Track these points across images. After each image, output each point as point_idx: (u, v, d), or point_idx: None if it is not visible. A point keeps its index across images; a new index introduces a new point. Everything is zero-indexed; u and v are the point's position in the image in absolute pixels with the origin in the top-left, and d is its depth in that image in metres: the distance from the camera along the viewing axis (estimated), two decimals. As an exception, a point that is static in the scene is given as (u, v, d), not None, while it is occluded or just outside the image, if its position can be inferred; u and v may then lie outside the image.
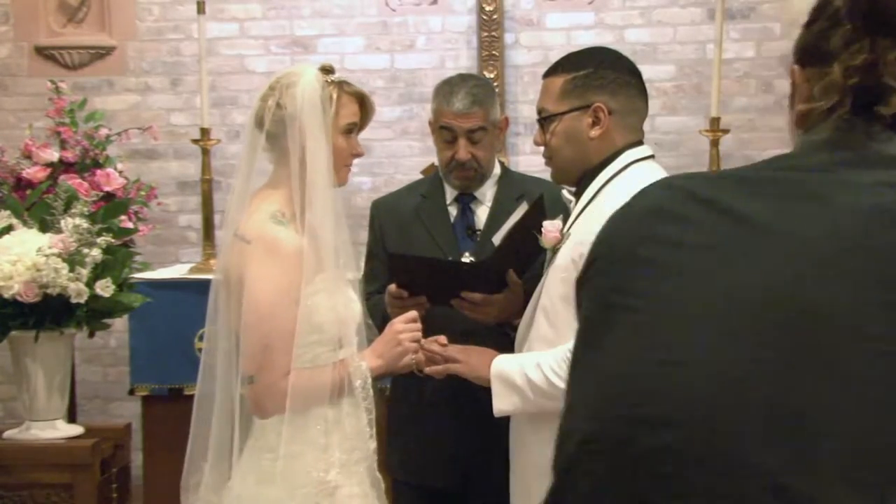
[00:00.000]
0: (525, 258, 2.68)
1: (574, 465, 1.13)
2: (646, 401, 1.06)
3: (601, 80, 2.43)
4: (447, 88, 2.96)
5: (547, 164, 2.55)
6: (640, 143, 2.49)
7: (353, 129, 2.41)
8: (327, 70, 2.39)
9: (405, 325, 2.43)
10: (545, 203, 2.64)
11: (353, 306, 2.39)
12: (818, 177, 1.10)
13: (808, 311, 1.01)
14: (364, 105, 2.44)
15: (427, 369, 2.52)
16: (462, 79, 3.03)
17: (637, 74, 2.50)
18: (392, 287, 2.70)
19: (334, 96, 2.35)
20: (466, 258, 2.90)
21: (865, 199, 1.04)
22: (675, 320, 1.07)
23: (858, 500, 0.96)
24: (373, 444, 2.36)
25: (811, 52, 1.17)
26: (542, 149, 2.54)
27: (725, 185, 1.14)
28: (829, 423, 0.98)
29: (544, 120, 2.48)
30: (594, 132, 2.43)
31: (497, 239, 2.70)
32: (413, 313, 2.48)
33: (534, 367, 2.37)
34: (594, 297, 1.19)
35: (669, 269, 1.10)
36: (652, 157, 2.49)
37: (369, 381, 2.35)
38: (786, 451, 0.98)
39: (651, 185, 1.23)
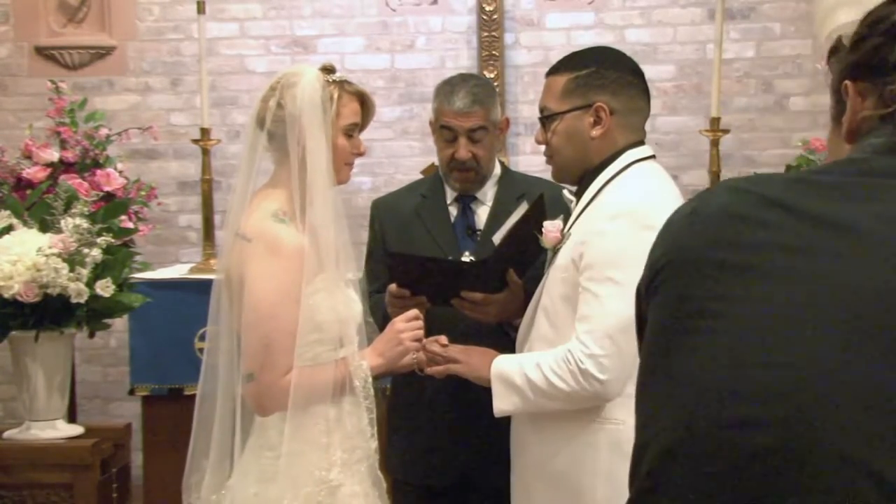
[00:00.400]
0: (525, 258, 2.68)
1: (659, 478, 1.13)
2: (741, 403, 1.07)
3: (603, 79, 2.43)
4: (448, 88, 2.96)
5: (548, 162, 2.55)
6: (641, 142, 2.48)
7: (354, 129, 2.41)
8: (328, 70, 2.39)
9: (406, 325, 2.43)
10: (545, 202, 2.64)
11: (353, 306, 2.39)
12: (891, 182, 1.12)
13: (892, 302, 1.04)
14: (365, 104, 2.44)
15: (428, 370, 2.52)
16: (463, 78, 3.03)
17: (639, 74, 2.50)
18: (392, 287, 2.70)
19: (335, 96, 2.35)
20: (466, 257, 2.90)
21: None
22: (765, 322, 1.08)
23: None
24: (374, 444, 2.35)
25: (866, 66, 1.19)
26: (542, 149, 2.54)
27: (795, 189, 1.15)
28: None
29: (546, 119, 2.48)
30: (595, 132, 2.43)
31: (497, 238, 2.70)
32: (414, 312, 2.47)
33: (533, 367, 2.37)
34: (667, 304, 1.19)
35: (752, 271, 1.11)
36: (653, 157, 2.49)
37: (370, 380, 2.35)
38: (883, 442, 1.01)
39: (713, 189, 1.24)
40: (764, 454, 1.05)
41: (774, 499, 1.04)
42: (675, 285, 1.18)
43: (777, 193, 1.15)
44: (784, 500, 1.04)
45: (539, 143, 2.54)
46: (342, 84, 2.38)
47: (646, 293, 1.23)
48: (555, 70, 2.51)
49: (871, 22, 1.20)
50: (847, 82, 1.22)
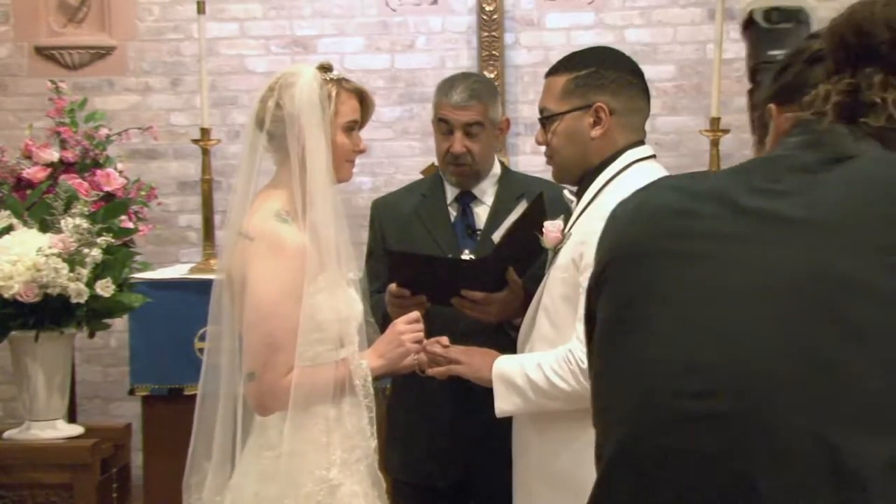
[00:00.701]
0: (525, 256, 2.68)
1: (624, 456, 1.21)
2: (694, 376, 1.16)
3: (603, 79, 2.43)
4: (448, 83, 2.99)
5: (548, 163, 2.55)
6: (641, 142, 2.49)
7: (354, 126, 2.41)
8: (326, 68, 2.39)
9: (407, 326, 2.43)
10: (545, 202, 2.64)
11: (354, 305, 2.39)
12: (811, 177, 1.23)
13: (828, 283, 1.14)
14: (364, 101, 2.44)
15: (429, 370, 2.52)
16: (464, 75, 3.08)
17: (639, 74, 2.50)
18: (392, 286, 2.70)
19: (333, 94, 2.35)
20: (466, 255, 2.90)
21: (855, 184, 1.20)
22: (709, 303, 1.19)
23: (883, 446, 1.08)
24: (373, 443, 2.35)
25: (789, 90, 1.35)
26: (542, 149, 2.55)
27: (731, 185, 1.26)
28: (856, 379, 1.10)
29: (546, 119, 2.48)
30: (595, 132, 2.43)
31: (497, 237, 2.71)
32: (415, 314, 2.48)
33: (535, 367, 2.38)
34: (615, 298, 1.28)
35: (695, 258, 1.22)
36: (653, 156, 2.49)
37: (370, 379, 2.35)
38: (828, 410, 1.10)
39: (652, 187, 1.34)
40: (718, 421, 1.14)
41: (728, 462, 1.13)
42: (621, 279, 1.28)
43: (713, 189, 1.26)
44: (736, 463, 1.12)
45: (539, 143, 2.54)
46: (340, 82, 2.38)
47: (595, 289, 1.32)
48: (554, 70, 2.51)
49: (792, 54, 1.38)
50: (772, 105, 1.37)
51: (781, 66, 1.39)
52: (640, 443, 1.20)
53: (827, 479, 1.09)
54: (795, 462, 1.10)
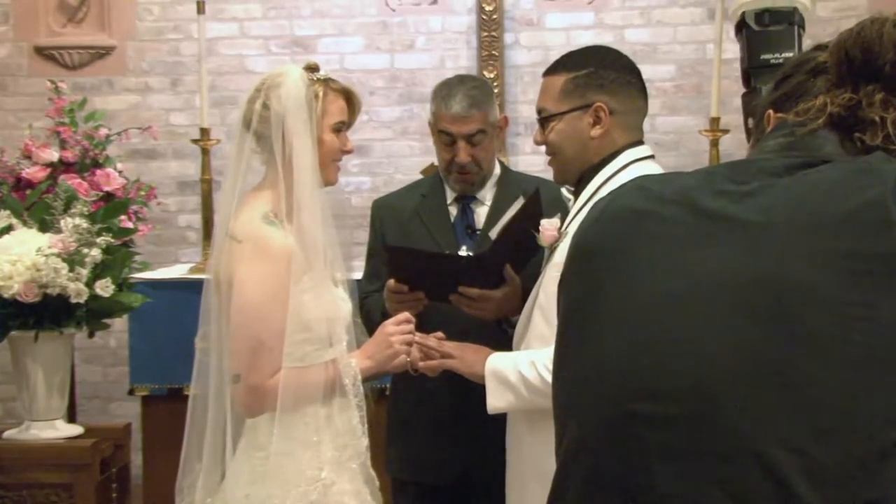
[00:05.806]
0: (522, 253, 2.67)
1: (579, 450, 1.24)
2: (646, 378, 1.18)
3: (602, 79, 2.43)
4: (445, 91, 2.95)
5: (550, 163, 2.54)
6: (640, 142, 2.48)
7: (342, 127, 2.41)
8: (312, 68, 2.38)
9: (396, 328, 2.42)
10: (543, 200, 2.64)
11: (341, 305, 2.37)
12: (775, 181, 1.24)
13: (778, 287, 1.15)
14: (351, 101, 2.43)
15: (421, 365, 2.51)
16: (460, 80, 3.01)
17: (637, 74, 2.50)
18: (391, 282, 2.70)
19: (320, 94, 2.35)
20: (464, 251, 2.90)
21: (815, 189, 1.21)
22: (658, 306, 1.20)
23: (832, 456, 1.09)
24: (365, 442, 2.34)
25: (788, 98, 1.36)
26: (541, 149, 2.54)
27: (696, 188, 1.27)
28: (803, 386, 1.12)
29: (544, 119, 2.48)
30: (595, 132, 2.42)
31: (494, 233, 2.71)
32: (405, 315, 2.47)
33: (528, 364, 2.37)
34: (570, 295, 1.32)
35: (645, 262, 1.24)
36: (652, 156, 2.49)
37: (359, 378, 2.34)
38: (767, 415, 1.12)
39: (624, 187, 1.36)
40: (667, 424, 1.16)
41: (675, 465, 1.14)
42: (577, 277, 1.31)
43: (678, 191, 1.28)
44: (682, 465, 1.14)
45: (537, 143, 2.53)
46: (327, 82, 2.37)
47: (559, 284, 1.36)
48: (552, 70, 2.50)
49: (795, 63, 1.39)
50: (770, 112, 1.38)
51: (784, 74, 1.40)
52: (591, 441, 1.22)
53: (769, 485, 1.10)
54: (740, 467, 1.11)
